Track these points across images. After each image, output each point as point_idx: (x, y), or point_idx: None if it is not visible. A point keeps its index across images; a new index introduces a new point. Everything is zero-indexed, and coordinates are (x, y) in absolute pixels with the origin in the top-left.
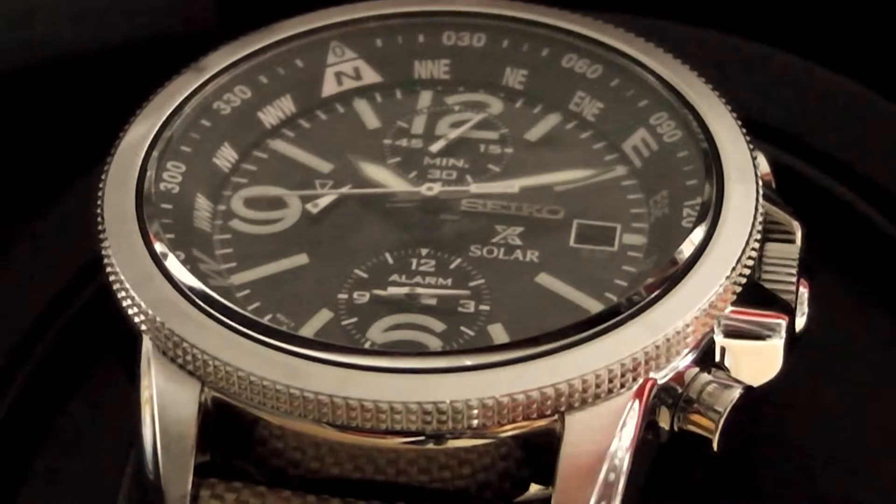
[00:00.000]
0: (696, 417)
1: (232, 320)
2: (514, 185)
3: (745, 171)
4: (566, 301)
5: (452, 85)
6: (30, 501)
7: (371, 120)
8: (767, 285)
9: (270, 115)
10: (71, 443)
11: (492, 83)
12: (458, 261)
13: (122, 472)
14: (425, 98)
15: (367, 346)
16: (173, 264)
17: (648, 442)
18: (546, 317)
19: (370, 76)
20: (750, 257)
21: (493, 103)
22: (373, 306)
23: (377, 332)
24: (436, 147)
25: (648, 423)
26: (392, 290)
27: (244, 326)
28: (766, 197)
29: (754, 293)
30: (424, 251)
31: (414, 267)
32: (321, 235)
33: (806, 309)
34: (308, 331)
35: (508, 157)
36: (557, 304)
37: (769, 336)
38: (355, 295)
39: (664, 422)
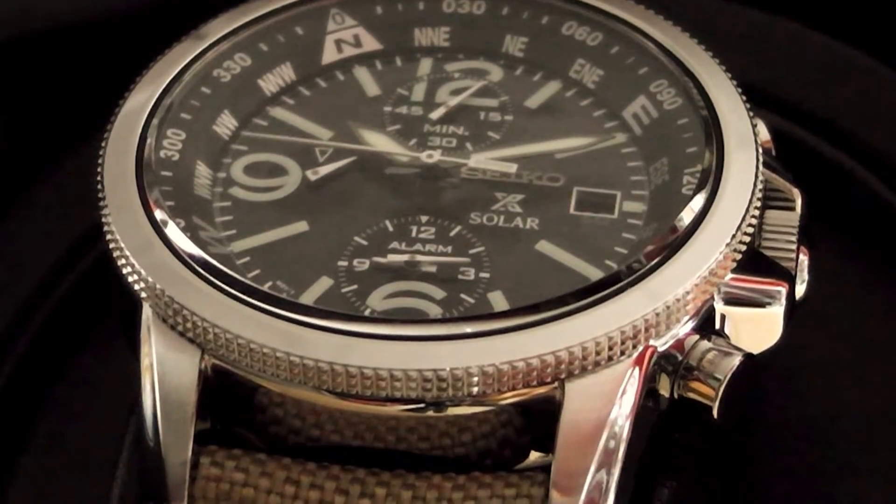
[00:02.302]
0: (696, 385)
1: (232, 288)
2: (513, 153)
3: (745, 138)
4: (566, 268)
5: (452, 52)
6: (30, 468)
7: (371, 87)
8: (767, 253)
9: (270, 83)
10: (71, 410)
11: (492, 51)
12: (458, 228)
13: (122, 439)
14: (425, 65)
15: (367, 313)
16: (173, 232)
17: (648, 409)
18: (546, 284)
19: (370, 43)
20: (750, 225)
21: (493, 71)
22: (373, 274)
23: (377, 300)
24: (436, 114)
25: (648, 391)
26: (392, 258)
27: (244, 294)
28: (766, 164)
29: (754, 260)
30: (424, 218)
31: (414, 234)
32: (321, 203)
33: (806, 276)
34: (308, 298)
35: (508, 124)
36: (557, 271)
37: (769, 303)
38: (355, 262)
39: (664, 389)
